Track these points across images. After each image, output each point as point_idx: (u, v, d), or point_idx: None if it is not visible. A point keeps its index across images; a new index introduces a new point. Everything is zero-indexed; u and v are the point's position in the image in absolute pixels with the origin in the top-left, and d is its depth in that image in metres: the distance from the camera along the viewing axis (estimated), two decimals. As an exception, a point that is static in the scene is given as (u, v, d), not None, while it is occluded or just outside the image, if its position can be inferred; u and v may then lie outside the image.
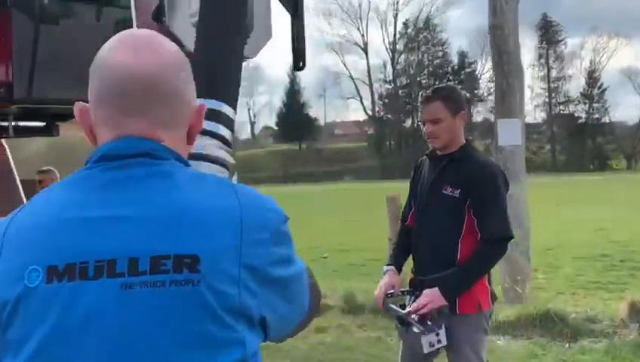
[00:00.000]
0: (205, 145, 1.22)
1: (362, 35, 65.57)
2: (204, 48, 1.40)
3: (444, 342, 2.33)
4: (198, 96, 1.23)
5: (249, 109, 70.54)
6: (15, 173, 4.51)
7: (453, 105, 2.49)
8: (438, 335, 2.31)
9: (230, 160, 1.25)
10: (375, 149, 60.08)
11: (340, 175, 57.50)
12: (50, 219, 0.76)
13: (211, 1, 1.46)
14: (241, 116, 70.54)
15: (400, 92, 68.22)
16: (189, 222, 0.75)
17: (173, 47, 0.89)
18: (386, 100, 68.34)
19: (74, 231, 0.74)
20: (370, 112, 65.60)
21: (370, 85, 66.15)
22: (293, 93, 67.25)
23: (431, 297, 2.33)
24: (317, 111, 70.28)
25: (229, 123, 1.32)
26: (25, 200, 4.53)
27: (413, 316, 2.35)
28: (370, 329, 5.30)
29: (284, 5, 2.39)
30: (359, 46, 66.09)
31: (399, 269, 2.62)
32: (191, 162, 1.11)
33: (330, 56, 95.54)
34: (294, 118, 64.58)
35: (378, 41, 79.74)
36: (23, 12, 2.88)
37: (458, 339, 2.40)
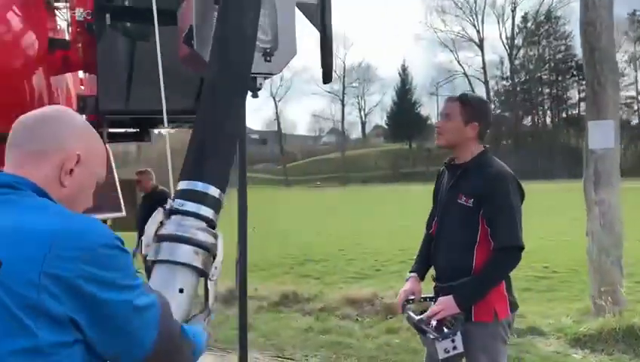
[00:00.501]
0: (190, 228, 1.34)
1: (478, 31, 63.47)
2: (198, 129, 1.52)
3: (461, 349, 2.35)
4: (187, 179, 1.41)
5: (360, 109, 71.07)
6: (115, 173, 5.11)
7: (469, 112, 2.48)
8: (453, 341, 2.34)
9: (211, 241, 1.36)
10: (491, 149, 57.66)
11: (451, 175, 55.92)
12: None
13: (209, 91, 1.57)
14: (352, 116, 71.15)
15: (518, 88, 65.02)
16: (3, 236, 0.94)
17: (73, 117, 1.19)
18: (503, 97, 65.48)
19: None
20: (484, 110, 63.10)
21: (486, 82, 63.75)
22: (404, 91, 66.71)
23: (444, 305, 2.37)
24: (428, 109, 68.71)
25: (214, 204, 1.42)
26: (121, 198, 5.11)
27: (433, 322, 2.40)
28: (440, 333, 5.27)
29: (314, 25, 2.54)
30: (474, 42, 64.05)
31: (422, 276, 2.67)
32: (171, 244, 1.31)
33: (443, 54, 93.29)
34: (405, 117, 64.03)
35: (494, 36, 76.52)
36: (106, 37, 3.31)
37: (474, 347, 2.40)
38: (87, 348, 0.98)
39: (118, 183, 5.14)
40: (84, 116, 3.77)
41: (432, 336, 2.38)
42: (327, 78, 2.61)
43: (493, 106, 60.80)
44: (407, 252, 10.75)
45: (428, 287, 2.68)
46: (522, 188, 2.50)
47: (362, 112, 71.49)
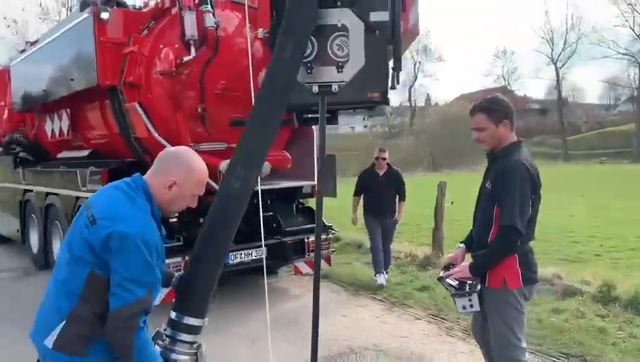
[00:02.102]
0: (169, 352, 1.98)
1: None
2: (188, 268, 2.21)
3: (477, 308, 2.80)
4: (174, 310, 2.09)
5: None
6: (315, 150, 6.33)
7: (495, 116, 2.82)
8: (470, 300, 2.79)
9: (184, 358, 1.97)
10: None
11: None
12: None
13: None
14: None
15: None
16: (113, 211, 1.88)
17: (187, 158, 2.05)
18: None
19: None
20: None
21: None
22: None
23: (460, 268, 2.89)
24: None
25: (190, 329, 2.03)
26: (316, 168, 6.30)
27: (461, 281, 2.88)
28: (606, 321, 5.09)
29: (386, 39, 3.10)
30: None
31: (469, 247, 3.07)
32: None
33: None
34: None
35: None
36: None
37: (489, 310, 2.84)
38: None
39: (316, 159, 6.35)
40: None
41: (451, 292, 2.86)
42: (394, 84, 3.16)
43: None
44: (631, 241, 9.59)
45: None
46: (536, 178, 2.78)
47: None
